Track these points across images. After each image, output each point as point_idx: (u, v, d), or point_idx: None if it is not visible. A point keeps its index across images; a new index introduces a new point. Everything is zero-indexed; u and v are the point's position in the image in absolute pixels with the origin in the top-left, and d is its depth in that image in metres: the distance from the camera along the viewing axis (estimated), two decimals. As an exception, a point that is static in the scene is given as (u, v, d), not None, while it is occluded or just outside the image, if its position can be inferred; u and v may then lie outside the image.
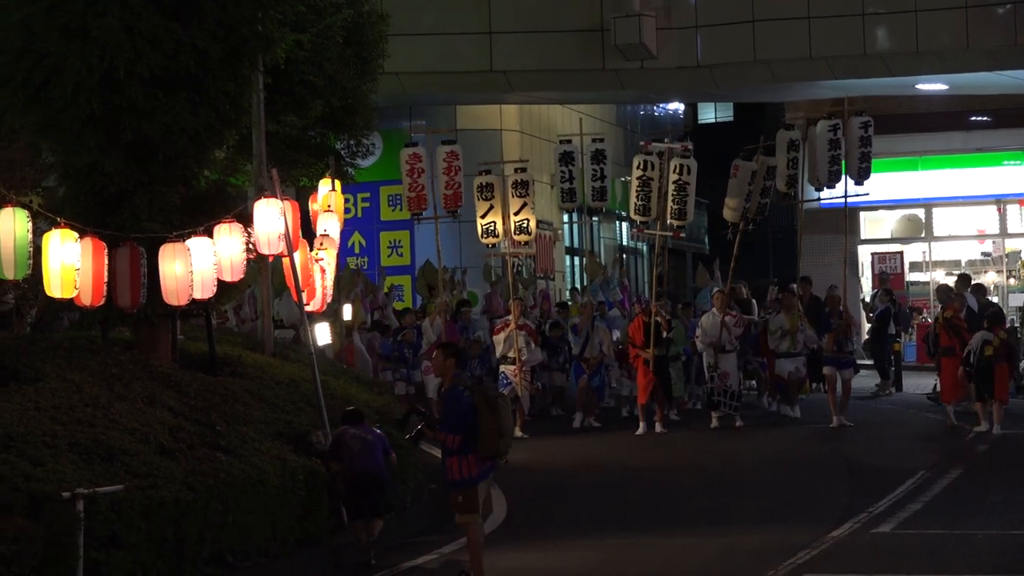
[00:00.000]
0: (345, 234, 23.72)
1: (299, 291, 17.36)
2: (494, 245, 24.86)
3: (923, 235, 39.30)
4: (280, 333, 23.43)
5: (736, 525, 16.13)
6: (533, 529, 15.51)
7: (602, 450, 22.61)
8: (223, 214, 16.24)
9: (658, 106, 48.40)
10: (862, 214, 38.35)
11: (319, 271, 18.93)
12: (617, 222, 43.26)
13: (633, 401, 25.06)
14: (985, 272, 37.50)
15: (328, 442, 15.21)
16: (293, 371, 17.75)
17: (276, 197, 16.81)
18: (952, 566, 13.53)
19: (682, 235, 25.60)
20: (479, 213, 24.45)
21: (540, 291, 29.15)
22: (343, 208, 21.89)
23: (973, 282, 28.17)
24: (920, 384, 29.71)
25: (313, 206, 20.98)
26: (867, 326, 31.69)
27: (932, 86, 33.63)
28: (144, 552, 12.35)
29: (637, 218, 24.49)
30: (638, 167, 24.06)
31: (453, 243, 31.58)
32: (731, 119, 53.78)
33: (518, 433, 23.14)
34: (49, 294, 15.24)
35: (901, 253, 38.35)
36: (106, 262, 15.27)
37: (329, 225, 20.10)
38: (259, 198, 16.91)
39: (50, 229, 15.06)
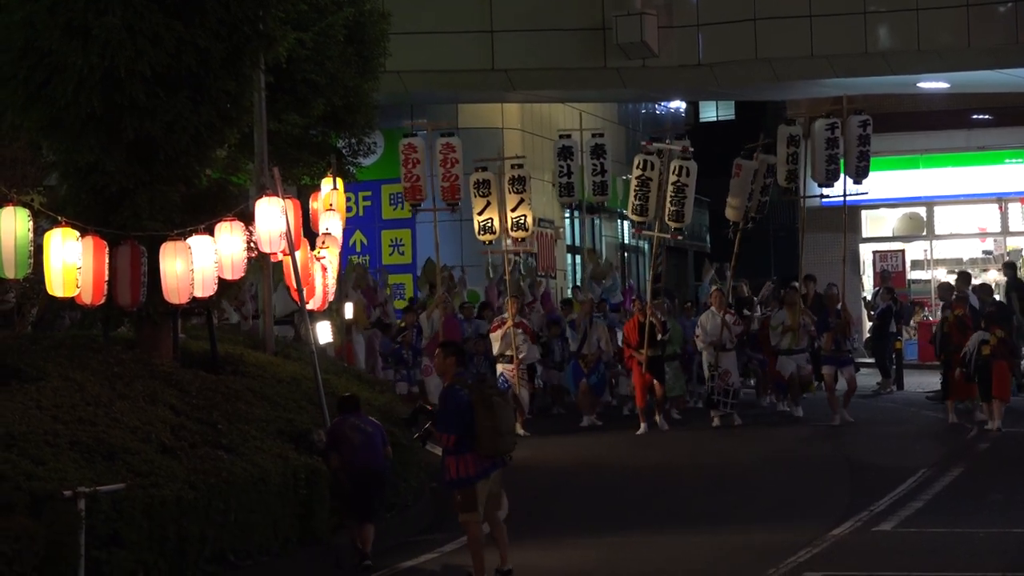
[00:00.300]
0: (347, 233, 23.70)
1: (299, 289, 17.37)
2: (491, 242, 24.85)
3: (924, 233, 39.30)
4: (278, 329, 23.45)
5: (737, 524, 16.13)
6: (534, 528, 15.51)
7: (603, 449, 22.62)
8: (224, 213, 16.25)
9: (660, 105, 48.36)
10: (863, 212, 38.35)
11: (320, 269, 18.93)
12: (619, 220, 43.25)
13: (633, 399, 25.06)
14: (986, 270, 37.49)
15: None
16: (294, 369, 17.76)
17: (278, 196, 16.81)
18: (953, 564, 13.53)
19: (679, 237, 25.57)
20: (476, 210, 24.45)
21: (543, 292, 29.11)
22: (345, 207, 21.88)
23: (980, 282, 28.18)
24: (921, 382, 29.71)
25: (314, 205, 20.97)
26: (868, 324, 31.69)
27: (933, 84, 33.64)
28: (146, 551, 12.35)
29: (635, 218, 24.47)
30: (638, 167, 24.06)
31: (455, 241, 31.58)
32: (733, 118, 53.77)
33: (520, 431, 23.14)
34: (50, 293, 15.25)
35: (903, 251, 38.35)
36: (107, 261, 15.28)
37: (331, 224, 20.09)
38: (260, 196, 16.92)
39: (51, 228, 15.08)
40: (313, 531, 14.52)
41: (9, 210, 14.64)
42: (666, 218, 23.93)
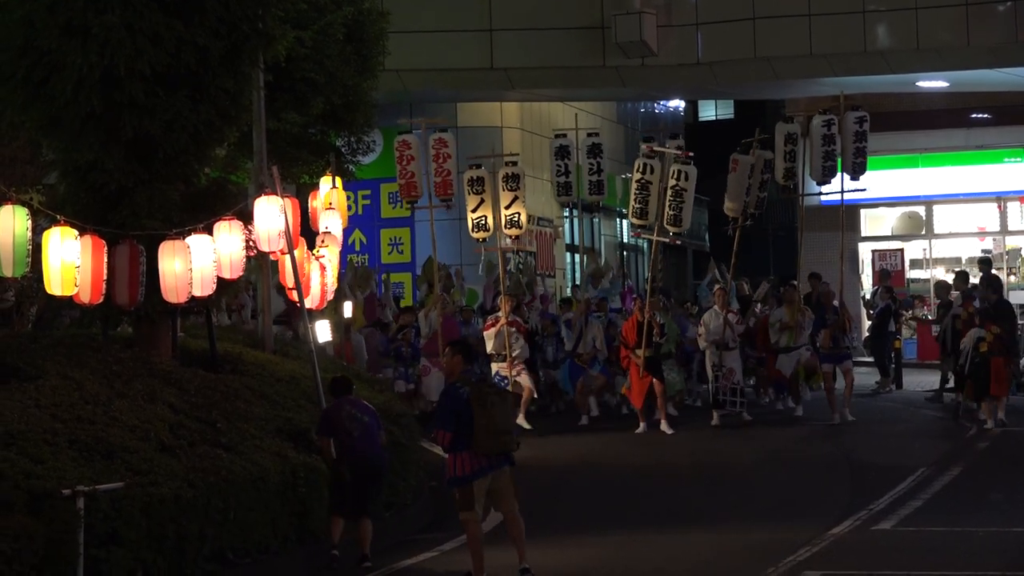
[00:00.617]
0: (346, 231, 23.70)
1: (297, 289, 17.36)
2: (485, 240, 24.84)
3: (924, 232, 39.30)
4: (276, 330, 23.45)
5: (736, 523, 16.12)
6: (534, 527, 15.46)
7: (603, 448, 22.61)
8: (223, 211, 16.24)
9: (659, 104, 48.39)
10: (862, 211, 38.35)
11: (319, 268, 18.92)
12: (618, 219, 43.27)
13: (625, 399, 25.08)
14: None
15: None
16: (293, 368, 17.76)
17: (276, 194, 16.81)
18: (953, 563, 13.53)
19: (678, 241, 25.54)
20: (470, 207, 24.43)
21: (541, 295, 29.08)
22: (345, 205, 21.88)
23: (991, 272, 28.28)
24: (920, 381, 29.72)
25: (313, 203, 20.98)
26: (867, 323, 31.69)
27: (933, 83, 33.64)
28: (144, 549, 12.35)
29: (635, 221, 24.44)
30: (638, 170, 24.01)
31: (453, 240, 31.58)
32: (732, 117, 53.81)
33: (526, 426, 23.15)
34: (49, 292, 15.26)
35: (902, 250, 38.35)
36: (105, 260, 15.28)
37: (331, 222, 20.09)
38: (259, 195, 16.91)
39: (50, 226, 15.08)
40: (312, 529, 14.52)
41: (8, 208, 14.65)
42: (665, 222, 23.91)
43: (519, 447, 13.58)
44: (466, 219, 24.79)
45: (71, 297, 15.30)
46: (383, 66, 23.52)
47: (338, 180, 21.27)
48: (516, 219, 24.44)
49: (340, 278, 21.69)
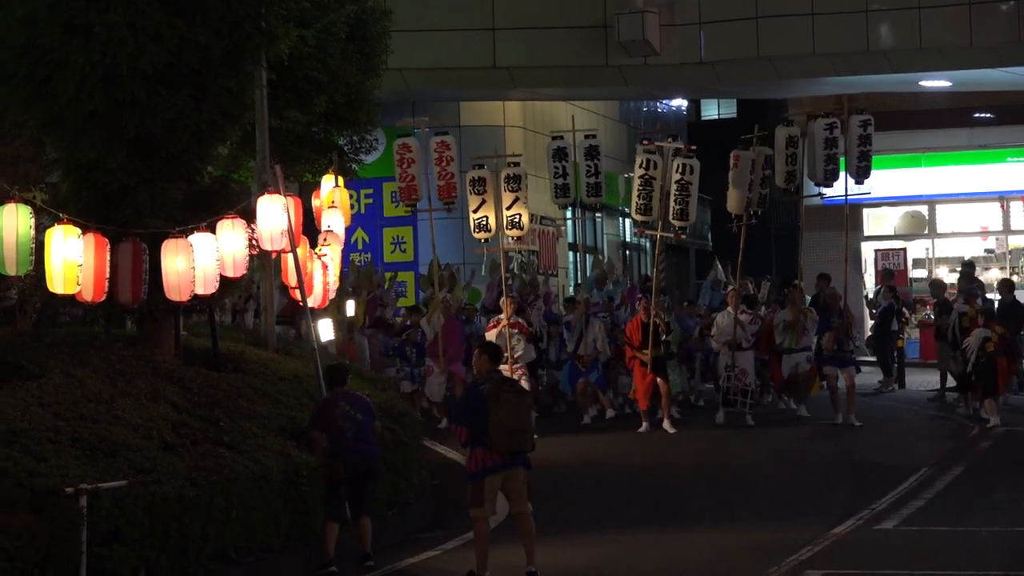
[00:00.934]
0: (348, 230, 23.68)
1: (300, 287, 17.35)
2: (487, 240, 24.82)
3: (926, 232, 39.30)
4: (279, 329, 23.45)
5: (739, 522, 16.13)
6: (536, 526, 15.46)
7: (604, 448, 22.60)
8: (226, 210, 16.24)
9: (661, 103, 48.39)
10: (865, 210, 38.35)
11: (321, 267, 18.91)
12: (620, 218, 43.25)
13: (632, 398, 25.06)
14: (988, 269, 37.49)
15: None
16: (296, 367, 17.75)
17: (279, 193, 16.81)
18: (955, 563, 13.53)
19: (683, 236, 25.51)
20: (471, 207, 24.39)
21: (544, 293, 29.06)
22: (348, 204, 21.87)
23: (1005, 277, 28.33)
24: (923, 381, 29.71)
25: (315, 202, 20.96)
26: (870, 323, 31.67)
27: (935, 83, 33.63)
28: (147, 548, 12.36)
29: (638, 217, 24.41)
30: (641, 166, 23.99)
31: (456, 240, 31.58)
32: (734, 116, 53.79)
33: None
34: (51, 290, 15.27)
35: (904, 250, 38.35)
36: (108, 258, 15.28)
37: (334, 221, 20.08)
38: (262, 194, 16.91)
39: (53, 225, 15.09)
40: (314, 528, 14.50)
41: (11, 207, 14.67)
42: (670, 217, 23.87)
43: (534, 447, 13.57)
44: (468, 219, 24.76)
45: (74, 295, 15.31)
46: (386, 65, 23.52)
47: (340, 179, 21.26)
48: (517, 220, 24.41)
49: (342, 277, 21.69)
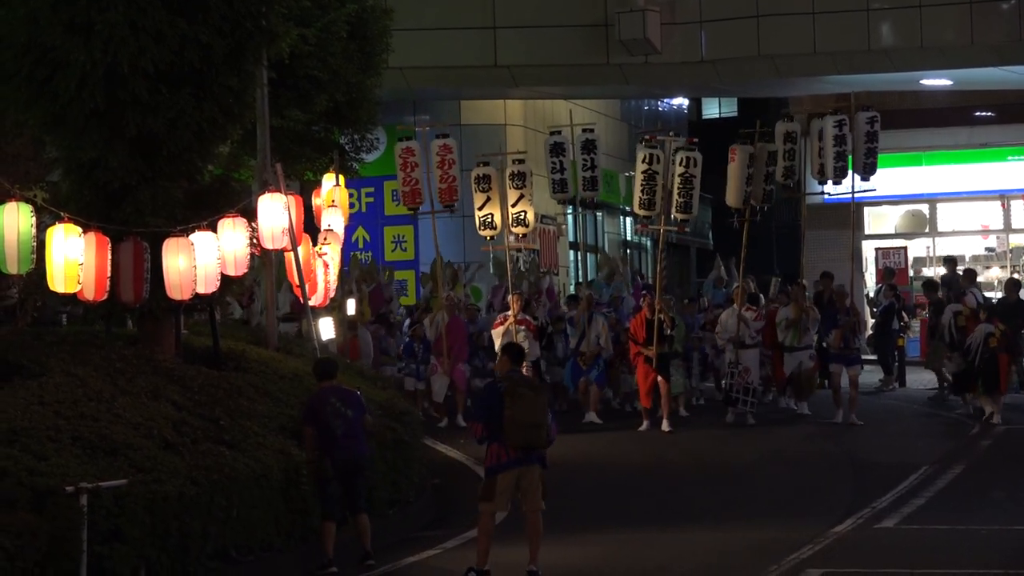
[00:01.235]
0: (349, 229, 23.67)
1: (302, 286, 17.36)
2: (492, 238, 24.80)
3: (927, 230, 39.28)
4: (284, 327, 23.45)
5: (739, 521, 16.13)
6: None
7: (605, 446, 22.59)
8: (227, 209, 16.26)
9: (662, 101, 48.38)
10: (866, 209, 38.30)
11: (322, 266, 18.94)
12: (621, 217, 43.24)
13: (634, 396, 25.03)
14: (989, 268, 37.48)
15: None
16: (296, 365, 17.75)
17: (280, 192, 16.82)
18: (956, 561, 13.54)
19: (687, 229, 25.48)
20: (476, 205, 24.38)
21: (547, 288, 29.06)
22: (348, 203, 21.87)
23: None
24: (924, 379, 29.68)
25: (316, 201, 20.97)
26: (871, 321, 31.66)
27: (936, 81, 33.62)
28: (147, 546, 12.37)
29: (641, 212, 24.40)
30: (643, 160, 23.97)
31: (457, 238, 31.58)
32: (735, 114, 53.75)
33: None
34: (53, 289, 15.28)
35: (905, 248, 38.31)
36: (109, 257, 15.29)
37: (333, 220, 20.10)
38: (263, 193, 16.93)
39: (54, 224, 15.09)
40: (315, 527, 14.49)
41: (12, 206, 14.68)
42: (674, 210, 23.85)
43: (552, 442, 13.54)
44: (469, 217, 24.75)
45: (75, 294, 15.32)
46: (387, 63, 23.52)
47: (341, 177, 21.27)
48: (522, 217, 24.41)
49: (343, 275, 21.71)
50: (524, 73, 31.50)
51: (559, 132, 25.90)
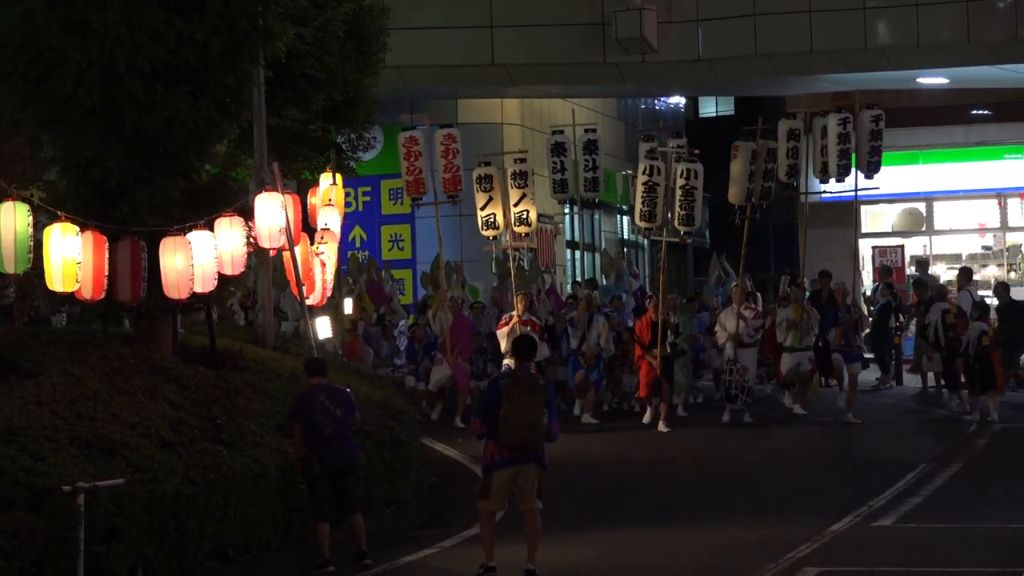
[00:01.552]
0: (346, 228, 23.67)
1: (299, 285, 17.35)
2: (495, 237, 24.78)
3: (924, 229, 39.29)
4: (286, 326, 23.47)
5: (737, 519, 16.13)
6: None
7: (604, 445, 22.58)
8: (224, 208, 16.26)
9: (659, 100, 48.36)
10: (863, 208, 38.22)
11: (319, 265, 18.93)
12: (618, 216, 43.22)
13: (633, 396, 25.01)
14: (986, 266, 37.49)
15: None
16: (294, 365, 17.74)
17: (277, 191, 16.81)
18: (953, 560, 13.54)
19: (688, 240, 25.42)
20: (479, 205, 24.37)
21: (548, 287, 29.04)
22: (344, 202, 21.87)
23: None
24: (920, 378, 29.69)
25: (312, 200, 20.97)
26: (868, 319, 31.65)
27: (933, 80, 33.63)
28: (145, 546, 12.37)
29: (643, 224, 24.37)
30: (644, 172, 23.95)
31: (455, 236, 31.55)
32: (732, 113, 53.71)
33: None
34: (51, 288, 15.28)
35: (902, 247, 38.28)
36: (107, 256, 15.29)
37: (330, 219, 20.09)
38: (260, 192, 16.92)
39: (51, 223, 15.09)
40: (312, 526, 14.47)
41: (9, 205, 14.68)
42: (676, 222, 23.83)
43: (553, 440, 13.49)
44: (468, 215, 24.73)
45: (73, 293, 15.31)
46: (383, 62, 23.51)
47: (338, 176, 21.27)
48: (525, 217, 24.41)
49: (340, 274, 21.71)
50: (521, 72, 31.50)
51: (561, 132, 25.89)
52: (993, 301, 27.10)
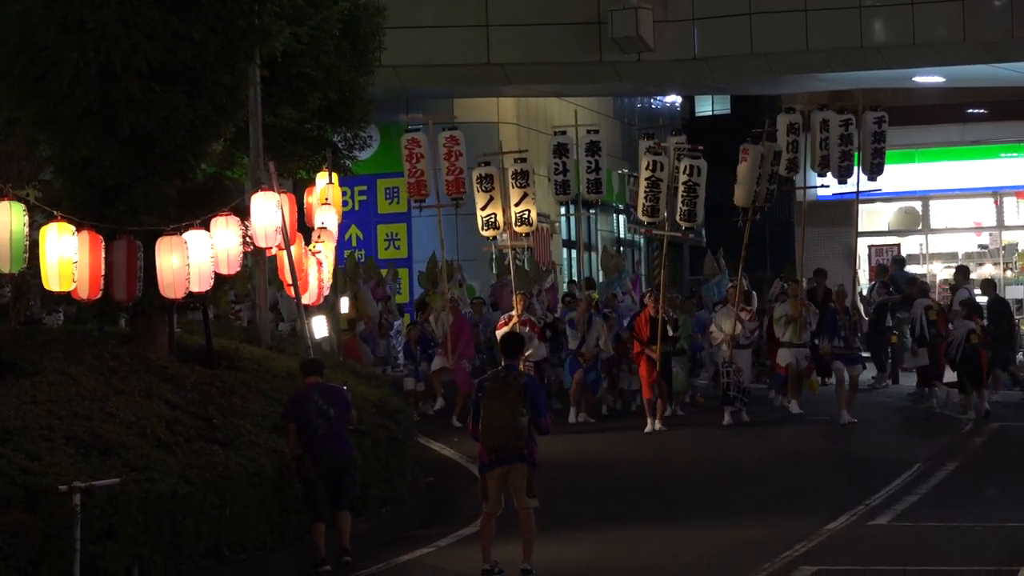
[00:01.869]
0: (342, 227, 23.64)
1: (294, 284, 17.35)
2: (496, 237, 24.76)
3: (920, 227, 39.28)
4: (283, 326, 23.45)
5: (735, 518, 16.14)
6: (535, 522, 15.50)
7: (602, 445, 22.58)
8: (220, 207, 16.25)
9: (655, 99, 48.37)
10: (859, 206, 38.28)
11: (315, 264, 18.92)
12: (615, 215, 43.24)
13: (634, 395, 24.99)
14: (982, 264, 37.48)
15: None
16: (290, 364, 17.74)
17: (273, 190, 16.81)
18: (949, 558, 13.54)
19: (690, 235, 25.40)
20: (479, 205, 24.36)
21: (550, 285, 29.04)
22: (340, 201, 21.87)
23: (985, 276, 28.48)
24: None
25: (309, 199, 20.96)
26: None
27: (929, 79, 33.63)
28: (141, 545, 12.37)
29: (645, 219, 24.36)
30: (647, 167, 23.92)
31: (451, 236, 31.53)
32: (728, 112, 53.74)
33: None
34: (47, 287, 15.26)
35: (898, 245, 38.30)
36: (103, 255, 15.28)
37: (327, 218, 20.09)
38: (256, 191, 16.91)
39: (47, 222, 15.08)
40: (308, 526, 14.48)
41: (5, 204, 14.67)
42: (678, 218, 23.83)
43: (544, 434, 13.47)
44: (464, 214, 24.72)
45: (68, 293, 15.30)
46: (379, 62, 23.48)
47: (334, 175, 21.26)
48: (526, 216, 24.40)
49: (337, 273, 21.70)
50: (517, 71, 31.51)
51: (563, 132, 25.85)
52: (982, 299, 27.15)
